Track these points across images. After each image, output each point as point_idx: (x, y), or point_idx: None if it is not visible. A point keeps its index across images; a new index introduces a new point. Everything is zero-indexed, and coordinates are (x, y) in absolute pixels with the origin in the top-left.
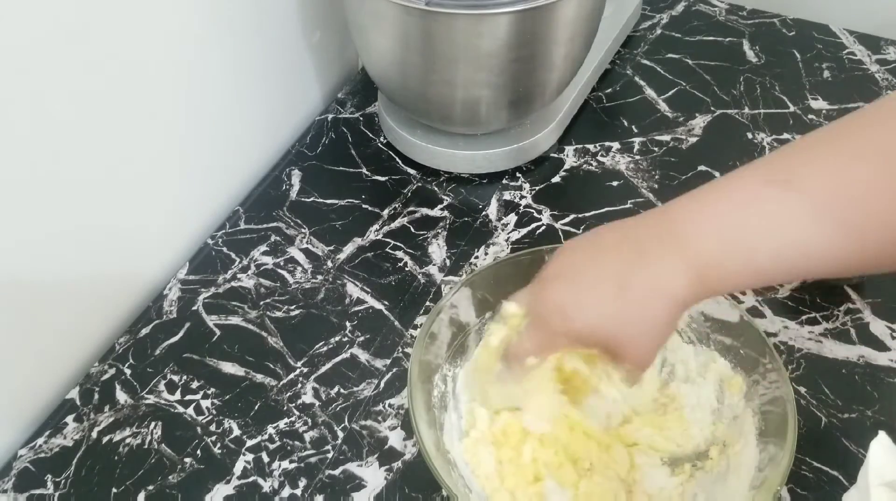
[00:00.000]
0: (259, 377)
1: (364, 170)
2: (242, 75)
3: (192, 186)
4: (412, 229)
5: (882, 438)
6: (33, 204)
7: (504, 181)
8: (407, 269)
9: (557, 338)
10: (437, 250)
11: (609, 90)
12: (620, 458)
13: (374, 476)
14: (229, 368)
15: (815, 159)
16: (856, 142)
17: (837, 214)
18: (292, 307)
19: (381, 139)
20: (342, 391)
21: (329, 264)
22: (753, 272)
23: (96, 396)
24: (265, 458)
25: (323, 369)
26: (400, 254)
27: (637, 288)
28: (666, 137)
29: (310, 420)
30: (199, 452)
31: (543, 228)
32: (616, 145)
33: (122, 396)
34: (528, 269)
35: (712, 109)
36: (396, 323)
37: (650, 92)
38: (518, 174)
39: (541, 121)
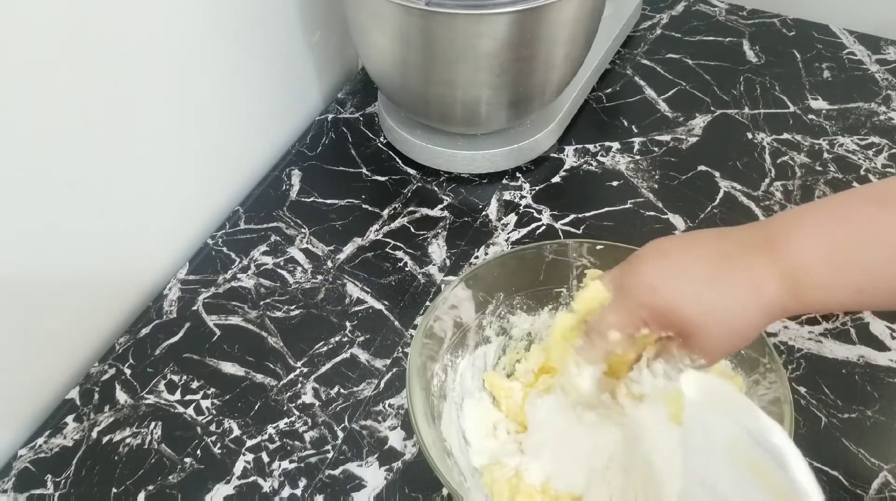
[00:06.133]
0: (259, 377)
1: (364, 170)
2: (242, 75)
3: (192, 186)
4: (412, 229)
5: (690, 373)
6: (33, 204)
7: (504, 181)
8: (407, 269)
9: (640, 311)
10: (437, 250)
11: (609, 90)
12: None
13: (374, 476)
14: (229, 368)
15: None
16: None
17: None
18: (292, 307)
19: (381, 139)
20: (342, 391)
21: (329, 264)
22: (846, 286)
23: (96, 396)
24: (265, 458)
25: (323, 369)
26: (400, 254)
27: (732, 279)
28: (666, 137)
29: (310, 420)
30: (199, 452)
31: (543, 228)
32: (616, 145)
33: (122, 396)
34: (530, 264)
35: (712, 109)
36: (396, 323)
37: (650, 92)
38: (518, 174)
39: (541, 121)
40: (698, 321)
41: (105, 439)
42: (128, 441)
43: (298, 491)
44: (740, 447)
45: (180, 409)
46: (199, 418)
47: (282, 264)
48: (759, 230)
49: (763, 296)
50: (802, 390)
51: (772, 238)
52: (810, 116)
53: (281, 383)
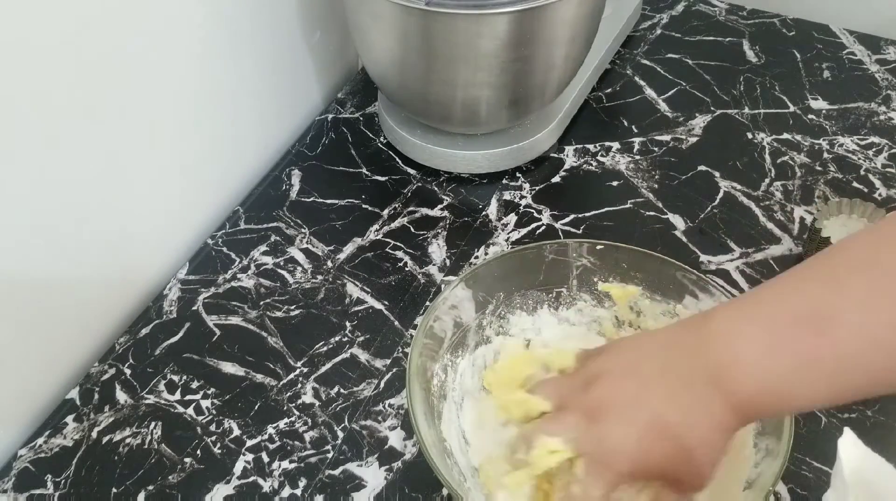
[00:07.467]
0: (259, 377)
1: (364, 170)
2: (242, 75)
3: (192, 186)
4: (412, 229)
5: (848, 435)
6: (33, 204)
7: (504, 181)
8: (407, 269)
9: (624, 478)
10: (437, 250)
11: (609, 90)
12: None
13: (374, 476)
14: (229, 368)
15: (848, 297)
16: (890, 277)
17: (867, 364)
18: (292, 307)
19: (381, 139)
20: (342, 391)
21: (329, 264)
22: (793, 409)
23: (96, 396)
24: (265, 458)
25: (323, 369)
26: (400, 254)
27: (698, 427)
28: (666, 137)
29: (310, 420)
30: (199, 452)
31: (543, 228)
32: (616, 145)
33: (122, 396)
34: (530, 264)
35: (712, 109)
36: (396, 323)
37: (650, 92)
38: (518, 174)
39: (541, 121)
40: (681, 473)
41: (105, 439)
42: (128, 441)
43: (298, 491)
44: None
45: (180, 409)
46: (199, 418)
47: (282, 264)
48: (702, 360)
49: (724, 426)
50: None
51: (717, 375)
52: (810, 116)
53: (281, 383)
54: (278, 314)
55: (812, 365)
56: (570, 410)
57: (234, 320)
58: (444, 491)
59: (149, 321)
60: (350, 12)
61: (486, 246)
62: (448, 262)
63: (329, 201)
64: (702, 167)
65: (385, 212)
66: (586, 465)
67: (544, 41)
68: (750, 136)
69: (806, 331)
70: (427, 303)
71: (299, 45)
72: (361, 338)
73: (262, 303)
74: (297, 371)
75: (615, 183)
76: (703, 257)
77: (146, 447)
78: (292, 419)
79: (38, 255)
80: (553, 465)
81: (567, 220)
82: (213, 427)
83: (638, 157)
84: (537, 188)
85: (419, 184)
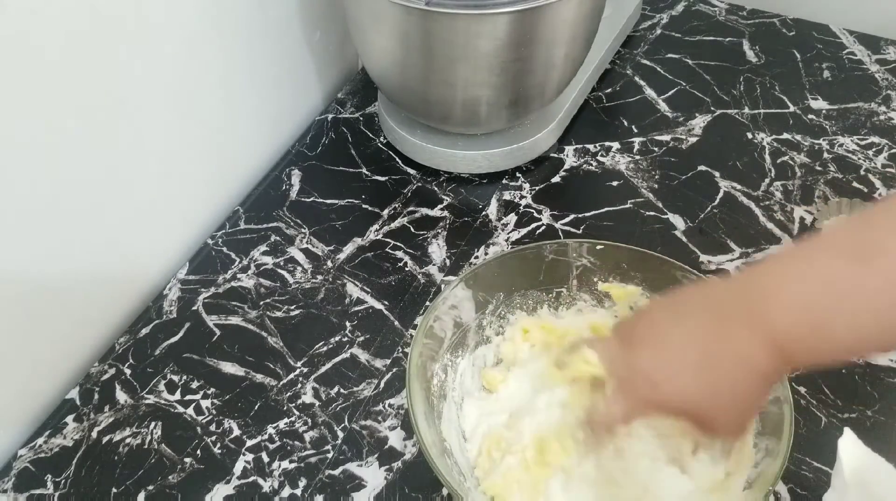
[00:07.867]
0: (259, 377)
1: (364, 170)
2: (242, 75)
3: (192, 186)
4: (412, 229)
5: (849, 435)
6: (33, 205)
7: (504, 181)
8: (407, 269)
9: (646, 405)
10: (437, 250)
11: (609, 90)
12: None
13: (374, 476)
14: (229, 368)
15: (892, 233)
16: None
17: None
18: (292, 307)
19: (381, 139)
20: (342, 391)
21: (329, 264)
22: (835, 351)
23: (96, 396)
24: (265, 458)
25: (323, 369)
26: (400, 254)
27: (723, 361)
28: (666, 137)
29: (310, 420)
30: (199, 452)
31: (543, 228)
32: (616, 145)
33: (122, 396)
34: (530, 264)
35: (712, 109)
36: (396, 323)
37: (650, 92)
38: (518, 174)
39: (541, 121)
40: (704, 409)
41: (105, 439)
42: (128, 441)
43: (298, 491)
44: None
45: (180, 409)
46: (199, 418)
47: (282, 264)
48: (740, 293)
49: (757, 368)
50: (802, 390)
51: (754, 308)
52: (810, 116)
53: (281, 383)
54: (278, 314)
55: (854, 294)
56: (616, 337)
57: (234, 320)
58: (444, 491)
59: (149, 321)
60: (350, 12)
61: (486, 246)
62: (448, 262)
63: (329, 201)
64: (702, 167)
65: (385, 212)
66: (614, 385)
67: (544, 41)
68: (750, 136)
69: (849, 261)
70: (427, 303)
71: (299, 45)
72: (361, 338)
73: (262, 303)
74: (297, 371)
75: (615, 183)
76: (703, 257)
77: (146, 447)
78: (292, 419)
79: (39, 255)
80: (583, 374)
81: (567, 220)
82: (213, 427)
83: (638, 157)
84: (537, 188)
85: (419, 184)
